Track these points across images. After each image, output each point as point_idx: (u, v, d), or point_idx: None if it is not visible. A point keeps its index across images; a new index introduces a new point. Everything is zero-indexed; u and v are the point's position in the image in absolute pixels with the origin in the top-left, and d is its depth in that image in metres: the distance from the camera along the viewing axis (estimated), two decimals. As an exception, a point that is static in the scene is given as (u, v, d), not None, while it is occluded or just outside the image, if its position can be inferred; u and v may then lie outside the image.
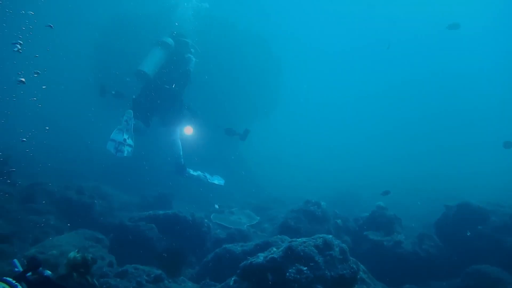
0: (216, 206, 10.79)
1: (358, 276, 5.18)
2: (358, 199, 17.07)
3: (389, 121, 39.35)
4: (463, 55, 35.51)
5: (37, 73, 6.95)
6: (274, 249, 5.13)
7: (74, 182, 10.21)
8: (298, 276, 4.49)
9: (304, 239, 5.01)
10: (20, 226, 7.33)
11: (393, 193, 19.43)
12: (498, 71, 36.28)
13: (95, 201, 9.29)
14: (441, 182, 22.58)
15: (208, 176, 10.06)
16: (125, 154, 8.47)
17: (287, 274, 4.52)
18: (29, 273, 3.03)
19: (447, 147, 34.30)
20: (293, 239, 5.10)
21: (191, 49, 9.99)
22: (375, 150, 33.35)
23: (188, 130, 9.82)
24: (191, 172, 9.67)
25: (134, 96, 9.26)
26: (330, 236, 5.09)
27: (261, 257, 4.99)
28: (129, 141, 8.61)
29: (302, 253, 4.72)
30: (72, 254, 3.66)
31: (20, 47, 6.23)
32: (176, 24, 12.80)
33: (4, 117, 14.16)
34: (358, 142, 36.18)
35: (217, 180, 9.99)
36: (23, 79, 6.58)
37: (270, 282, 4.61)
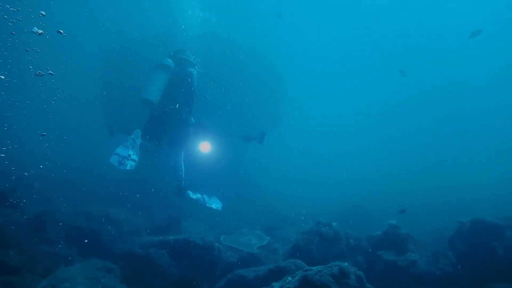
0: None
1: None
2: (368, 213, 16.91)
3: (395, 131, 39.19)
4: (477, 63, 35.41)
5: (51, 73, 6.93)
6: (289, 278, 5.05)
7: (83, 206, 10.17)
8: (316, 308, 4.41)
9: (319, 267, 4.93)
10: (30, 257, 7.28)
11: (402, 203, 19.29)
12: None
13: (105, 226, 9.23)
14: (450, 191, 22.43)
15: (206, 199, 9.90)
16: (128, 167, 8.36)
17: (304, 305, 4.44)
18: None
19: (456, 156, 34.09)
20: (308, 268, 5.02)
21: (193, 61, 9.89)
22: (381, 161, 33.19)
23: (205, 147, 9.80)
24: (191, 195, 9.56)
25: (144, 121, 9.29)
26: (346, 264, 5.01)
27: None
28: (134, 157, 8.55)
29: (318, 283, 4.63)
30: None
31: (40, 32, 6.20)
32: (183, 37, 12.82)
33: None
34: (365, 153, 36.04)
35: (215, 205, 9.83)
36: (41, 72, 6.57)
37: (286, 314, 4.54)
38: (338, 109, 41.69)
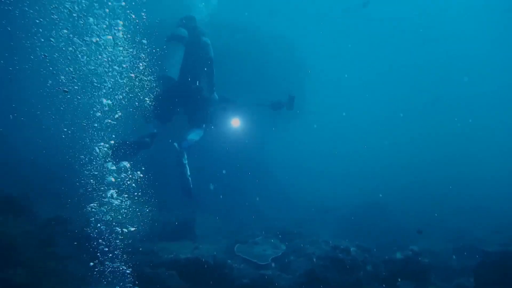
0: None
1: None
2: (387, 214, 16.45)
3: (417, 124, 38.16)
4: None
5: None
6: None
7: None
8: None
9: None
10: (37, 274, 7.14)
11: (422, 201, 18.70)
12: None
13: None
14: (470, 189, 21.89)
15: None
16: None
17: None
18: None
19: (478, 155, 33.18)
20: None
21: (204, 31, 9.18)
22: (402, 154, 32.39)
23: (235, 123, 9.46)
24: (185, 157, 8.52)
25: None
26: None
27: None
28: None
29: None
30: None
31: None
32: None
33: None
34: (386, 146, 35.14)
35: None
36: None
37: None
38: (360, 99, 40.72)
